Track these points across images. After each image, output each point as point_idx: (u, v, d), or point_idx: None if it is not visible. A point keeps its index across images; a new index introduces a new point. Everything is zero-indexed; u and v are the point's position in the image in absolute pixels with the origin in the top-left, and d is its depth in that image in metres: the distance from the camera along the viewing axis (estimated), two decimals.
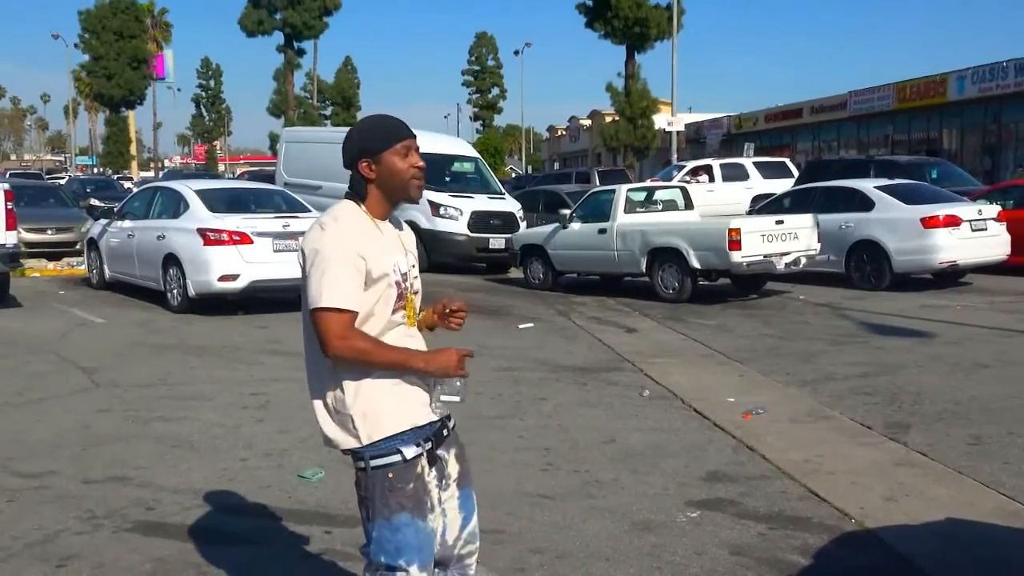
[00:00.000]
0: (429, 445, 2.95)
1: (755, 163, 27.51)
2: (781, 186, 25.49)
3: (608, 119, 54.52)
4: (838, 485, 5.74)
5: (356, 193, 2.96)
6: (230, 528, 5.10)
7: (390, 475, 2.89)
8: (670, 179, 24.28)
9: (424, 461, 2.94)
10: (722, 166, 27.12)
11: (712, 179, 26.30)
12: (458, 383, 2.95)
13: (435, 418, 2.99)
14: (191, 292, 12.75)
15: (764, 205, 18.15)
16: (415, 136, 2.97)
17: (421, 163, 2.94)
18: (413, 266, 3.05)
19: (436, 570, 3.08)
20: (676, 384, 8.57)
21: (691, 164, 28.14)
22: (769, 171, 26.71)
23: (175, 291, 13.06)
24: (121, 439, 6.83)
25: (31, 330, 11.66)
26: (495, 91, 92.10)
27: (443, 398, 2.97)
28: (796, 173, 26.97)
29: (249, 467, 6.16)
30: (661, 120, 44.59)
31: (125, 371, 9.24)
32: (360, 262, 2.83)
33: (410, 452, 2.90)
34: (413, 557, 2.91)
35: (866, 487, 5.70)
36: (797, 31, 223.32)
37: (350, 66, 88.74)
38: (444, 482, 3.04)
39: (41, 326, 11.98)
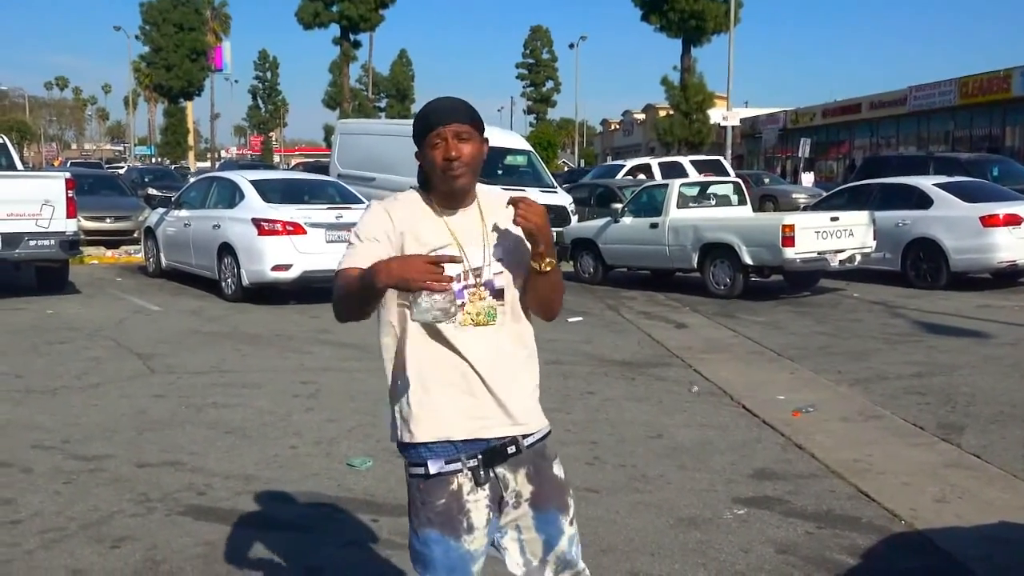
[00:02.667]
0: (473, 463, 2.70)
1: (692, 162, 27.41)
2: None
3: (663, 113, 54.21)
4: (888, 485, 5.67)
5: (420, 183, 2.79)
6: (279, 514, 5.17)
7: (420, 486, 2.72)
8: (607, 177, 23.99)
9: (461, 479, 2.69)
10: (661, 165, 26.86)
11: (651, 178, 25.43)
12: (431, 299, 2.44)
13: (486, 435, 2.70)
14: (245, 281, 12.92)
15: (820, 201, 17.94)
16: (454, 121, 2.65)
17: (453, 152, 2.62)
18: (500, 259, 2.73)
19: None
20: (726, 381, 8.51)
21: (631, 163, 27.91)
22: (705, 170, 26.63)
23: (229, 280, 13.25)
24: (175, 424, 6.95)
25: (89, 316, 11.90)
26: (549, 84, 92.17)
27: (414, 318, 2.51)
28: (732, 173, 26.91)
29: (299, 454, 6.24)
30: (716, 114, 44.28)
31: (180, 358, 9.40)
32: (383, 236, 2.66)
33: (434, 467, 2.69)
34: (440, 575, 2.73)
35: (917, 488, 5.62)
36: (857, 25, 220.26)
37: (405, 59, 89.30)
38: (512, 499, 2.76)
39: (99, 312, 12.22)
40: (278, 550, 4.66)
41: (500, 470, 2.74)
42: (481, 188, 2.82)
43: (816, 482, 5.75)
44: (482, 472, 2.71)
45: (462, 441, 2.69)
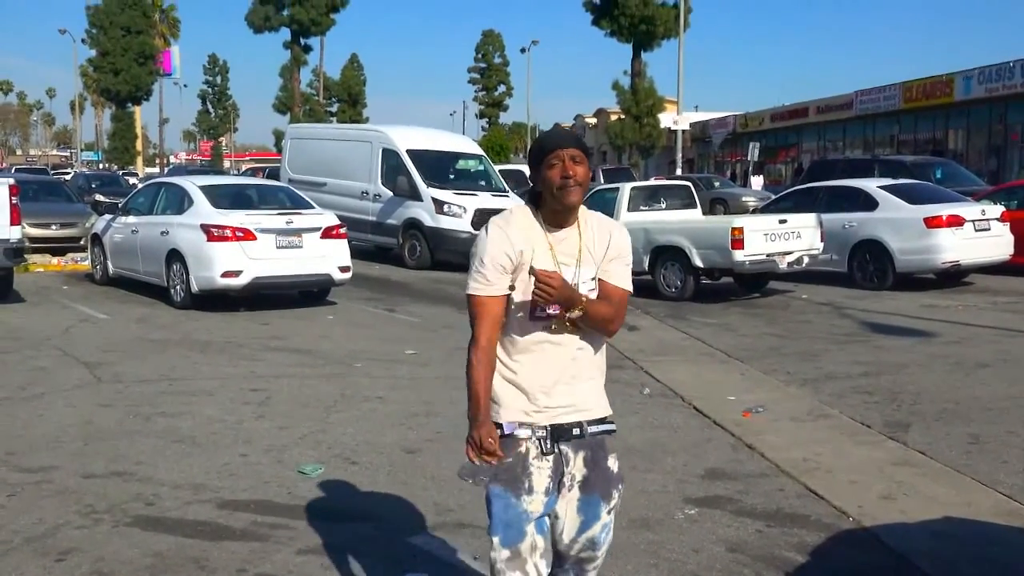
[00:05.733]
0: (542, 433, 3.07)
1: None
2: None
3: (614, 117, 54.49)
4: (837, 483, 5.75)
5: (531, 199, 3.13)
6: (229, 523, 5.12)
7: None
8: None
9: (530, 444, 3.06)
10: None
11: (523, 186, 24.87)
12: (471, 466, 3.05)
13: (547, 422, 3.08)
14: (194, 288, 12.78)
15: (768, 204, 18.15)
16: (570, 146, 3.02)
17: (569, 172, 2.98)
18: (592, 278, 3.10)
19: (555, 565, 3.20)
20: (677, 382, 8.58)
21: (498, 168, 27.33)
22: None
23: (178, 287, 13.09)
24: (122, 434, 6.86)
25: (34, 325, 11.69)
26: (501, 89, 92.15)
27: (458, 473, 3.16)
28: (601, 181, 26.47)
29: (249, 462, 6.19)
30: (667, 119, 44.64)
31: (127, 366, 9.27)
32: (507, 261, 3.01)
33: (507, 427, 3.07)
34: (498, 529, 3.07)
35: (864, 486, 5.71)
36: (804, 30, 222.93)
37: (356, 63, 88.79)
38: (568, 481, 3.11)
39: (44, 321, 12.02)
40: (229, 560, 4.61)
41: (564, 447, 3.09)
42: (583, 211, 3.13)
43: (766, 481, 5.82)
44: (548, 443, 3.07)
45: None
